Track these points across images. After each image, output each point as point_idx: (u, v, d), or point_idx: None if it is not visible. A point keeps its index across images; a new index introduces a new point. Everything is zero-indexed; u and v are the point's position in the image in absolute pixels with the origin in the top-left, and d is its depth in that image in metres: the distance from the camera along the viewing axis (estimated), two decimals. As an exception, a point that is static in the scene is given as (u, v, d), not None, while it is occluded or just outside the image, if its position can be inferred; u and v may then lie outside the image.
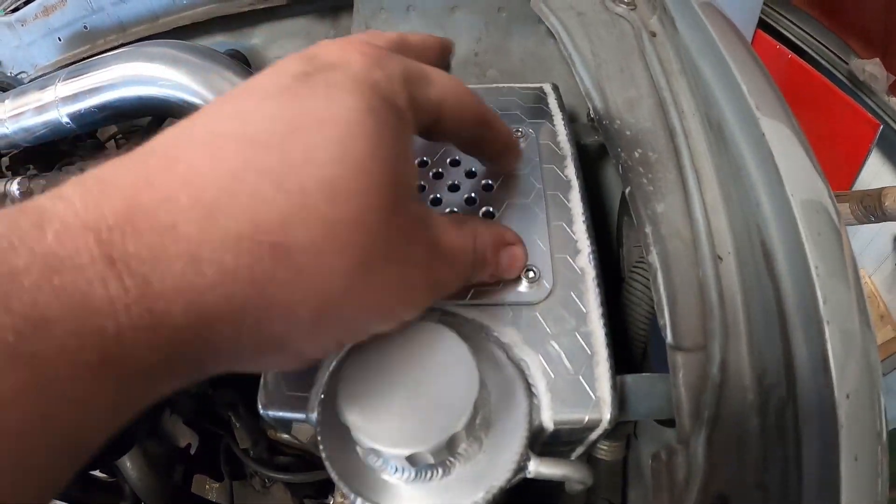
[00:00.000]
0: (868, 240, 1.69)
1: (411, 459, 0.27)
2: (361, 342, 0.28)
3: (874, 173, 1.52)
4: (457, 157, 0.44)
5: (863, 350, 0.26)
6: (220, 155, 0.18)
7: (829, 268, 0.26)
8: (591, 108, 0.42)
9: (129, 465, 0.72)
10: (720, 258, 0.32)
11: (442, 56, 0.32)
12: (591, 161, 0.52)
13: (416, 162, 0.44)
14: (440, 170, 0.43)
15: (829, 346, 0.25)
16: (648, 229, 0.34)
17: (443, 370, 0.27)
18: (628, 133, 0.39)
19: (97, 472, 0.75)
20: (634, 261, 0.48)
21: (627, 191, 0.36)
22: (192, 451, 0.80)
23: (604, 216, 0.55)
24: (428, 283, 0.24)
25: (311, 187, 0.18)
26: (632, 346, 0.49)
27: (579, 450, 0.38)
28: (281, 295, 0.18)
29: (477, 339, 0.34)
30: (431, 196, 0.41)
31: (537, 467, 0.31)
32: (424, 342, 0.28)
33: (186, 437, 0.84)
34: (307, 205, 0.18)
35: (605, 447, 0.53)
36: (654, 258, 0.33)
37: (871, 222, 1.04)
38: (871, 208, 1.01)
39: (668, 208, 0.35)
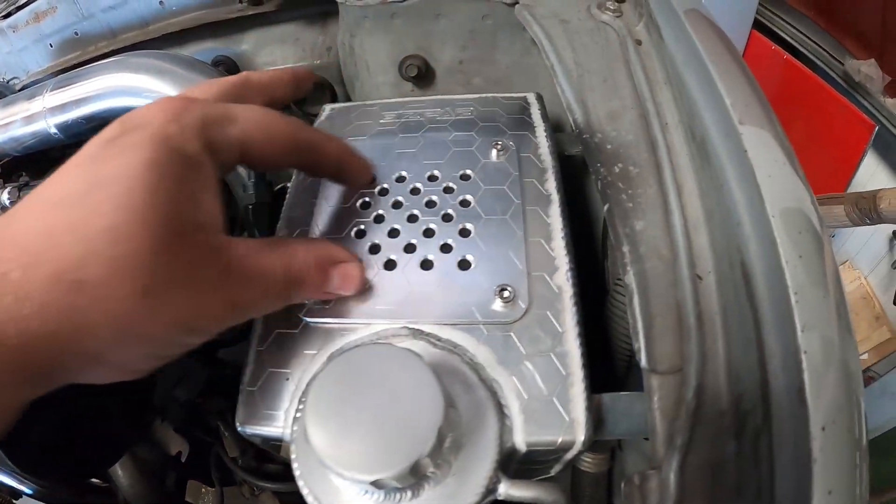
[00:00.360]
0: (863, 241, 1.69)
1: (376, 484, 0.27)
2: (329, 364, 0.28)
3: (869, 174, 1.52)
4: (435, 174, 0.43)
5: (842, 368, 0.25)
6: (40, 215, 0.24)
7: (808, 296, 0.25)
8: (571, 121, 0.41)
9: (120, 472, 0.72)
10: (700, 278, 0.31)
11: (293, 87, 0.38)
12: (577, 170, 0.51)
13: (395, 177, 0.43)
14: (417, 185, 0.43)
15: (805, 377, 0.24)
16: (626, 248, 0.33)
17: (408, 395, 0.27)
18: (609, 147, 0.38)
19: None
20: (619, 273, 0.47)
21: (606, 208, 0.35)
22: (183, 459, 0.80)
23: (590, 226, 0.55)
24: (225, 303, 0.27)
25: (99, 234, 0.23)
26: (615, 360, 0.49)
27: (557, 467, 0.38)
28: (83, 319, 0.23)
29: (449, 359, 0.33)
30: (407, 213, 0.41)
31: (508, 489, 0.30)
32: (390, 366, 0.28)
33: (177, 445, 0.84)
34: (96, 248, 0.23)
35: (589, 459, 0.53)
36: (630, 279, 0.32)
37: (866, 224, 1.03)
38: (867, 210, 1.00)
39: (647, 226, 0.34)
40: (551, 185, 0.41)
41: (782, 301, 0.26)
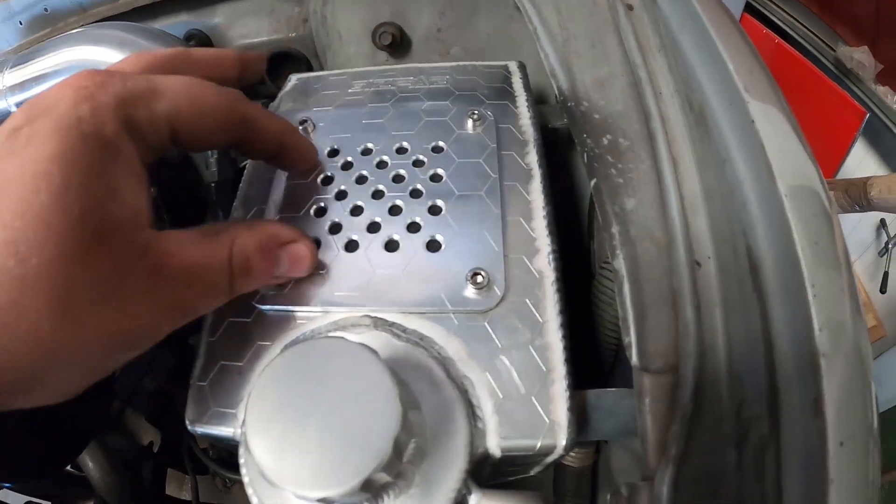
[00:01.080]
0: (850, 228, 1.68)
1: (324, 501, 0.23)
2: (272, 362, 0.24)
3: (859, 160, 1.50)
4: (404, 146, 0.39)
5: (862, 376, 0.22)
6: None
7: (826, 291, 0.22)
8: (556, 88, 0.37)
9: (90, 464, 0.69)
10: (698, 264, 0.28)
11: (239, 68, 0.33)
12: (562, 145, 0.47)
13: (360, 150, 0.39)
14: (384, 158, 0.38)
15: (824, 386, 0.21)
16: (615, 229, 0.29)
17: (360, 400, 0.23)
18: (596, 117, 0.34)
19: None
20: (606, 256, 0.43)
21: (593, 183, 0.31)
22: (155, 449, 0.78)
23: (575, 206, 0.51)
24: (160, 309, 0.24)
25: (0, 249, 0.19)
26: (601, 350, 0.46)
27: (536, 468, 0.35)
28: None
29: (413, 352, 0.29)
30: (372, 189, 0.37)
31: (479, 501, 0.27)
32: (341, 363, 0.24)
33: (149, 435, 0.81)
34: (1, 266, 0.19)
35: (572, 454, 0.50)
36: (620, 264, 0.28)
37: (855, 211, 1.01)
38: (857, 197, 0.98)
39: (639, 204, 0.30)
40: (532, 158, 0.37)
41: (797, 295, 0.23)
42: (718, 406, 0.25)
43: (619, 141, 0.33)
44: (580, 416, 0.30)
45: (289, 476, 0.22)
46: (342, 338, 0.24)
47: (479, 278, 0.31)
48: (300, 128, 0.41)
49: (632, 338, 0.27)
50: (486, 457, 0.28)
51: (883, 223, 1.59)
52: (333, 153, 0.39)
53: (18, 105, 0.64)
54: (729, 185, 0.28)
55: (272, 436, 0.23)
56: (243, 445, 0.29)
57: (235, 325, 0.33)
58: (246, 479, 0.28)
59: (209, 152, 0.53)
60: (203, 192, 0.62)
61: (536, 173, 0.35)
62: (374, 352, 0.23)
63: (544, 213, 0.34)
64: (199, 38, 0.76)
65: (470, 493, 0.27)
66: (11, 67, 0.64)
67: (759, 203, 0.26)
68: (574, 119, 0.35)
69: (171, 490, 0.83)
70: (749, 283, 0.26)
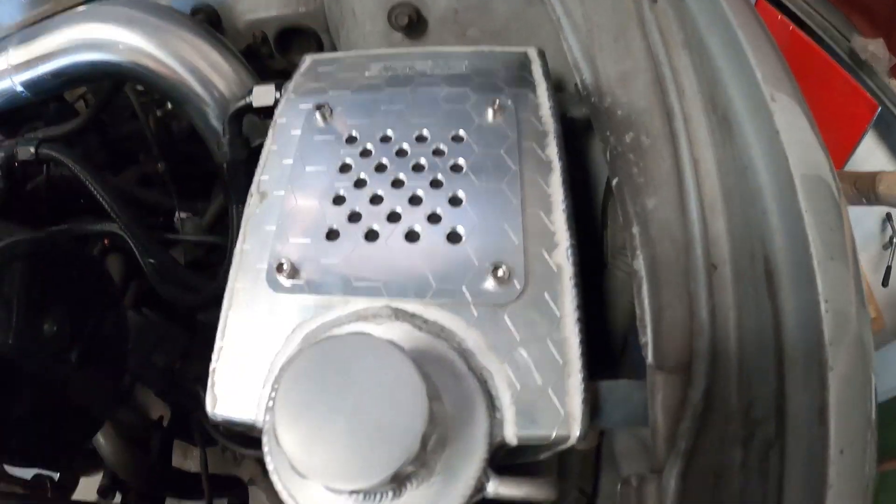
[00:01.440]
0: (855, 220, 1.68)
1: (353, 492, 0.24)
2: (300, 357, 0.25)
3: (868, 153, 1.49)
4: (424, 134, 0.39)
5: (867, 384, 0.23)
6: None
7: (839, 306, 0.22)
8: (578, 81, 0.37)
9: (100, 438, 0.70)
10: (714, 266, 0.28)
11: None
12: (578, 134, 0.47)
13: (379, 137, 0.39)
14: (404, 146, 0.38)
15: (830, 398, 0.22)
16: (636, 230, 0.30)
17: (388, 395, 0.24)
18: (619, 113, 0.34)
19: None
20: (620, 245, 0.44)
21: (615, 182, 0.32)
22: (165, 424, 0.79)
23: (588, 194, 0.51)
24: None
25: None
26: (611, 339, 0.46)
27: (546, 454, 0.36)
28: None
29: (435, 345, 0.30)
30: (392, 178, 0.37)
31: (497, 488, 0.28)
32: (369, 361, 0.24)
33: (159, 409, 0.82)
34: None
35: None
36: (639, 264, 0.29)
37: (862, 204, 1.01)
38: (864, 191, 0.98)
39: (659, 204, 0.31)
40: (552, 150, 0.37)
41: (811, 308, 0.24)
42: (727, 406, 0.26)
43: (641, 139, 0.33)
44: (592, 406, 0.31)
45: (320, 470, 0.23)
46: (368, 334, 0.25)
47: (501, 272, 0.31)
48: (317, 113, 0.40)
49: (648, 337, 0.28)
50: (503, 445, 0.29)
51: (889, 217, 1.59)
52: (351, 140, 0.39)
53: (24, 84, 0.62)
54: (750, 192, 0.29)
55: (302, 430, 0.24)
56: (269, 436, 0.29)
57: (254, 312, 0.33)
58: (271, 467, 0.28)
59: (221, 132, 0.52)
60: (211, 165, 0.62)
61: (556, 166, 0.36)
62: (401, 348, 0.24)
63: (563, 206, 0.34)
64: (207, 13, 0.74)
65: (488, 480, 0.28)
66: (17, 45, 0.62)
67: (780, 214, 0.27)
68: (598, 115, 0.35)
69: (175, 461, 0.84)
70: (764, 290, 0.26)
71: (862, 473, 0.22)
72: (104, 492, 0.66)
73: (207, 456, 0.72)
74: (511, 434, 0.29)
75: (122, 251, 0.64)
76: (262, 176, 0.39)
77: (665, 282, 0.29)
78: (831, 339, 0.22)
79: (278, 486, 0.27)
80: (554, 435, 0.29)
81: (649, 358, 0.28)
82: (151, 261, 0.57)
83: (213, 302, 0.61)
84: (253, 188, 0.38)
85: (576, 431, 0.29)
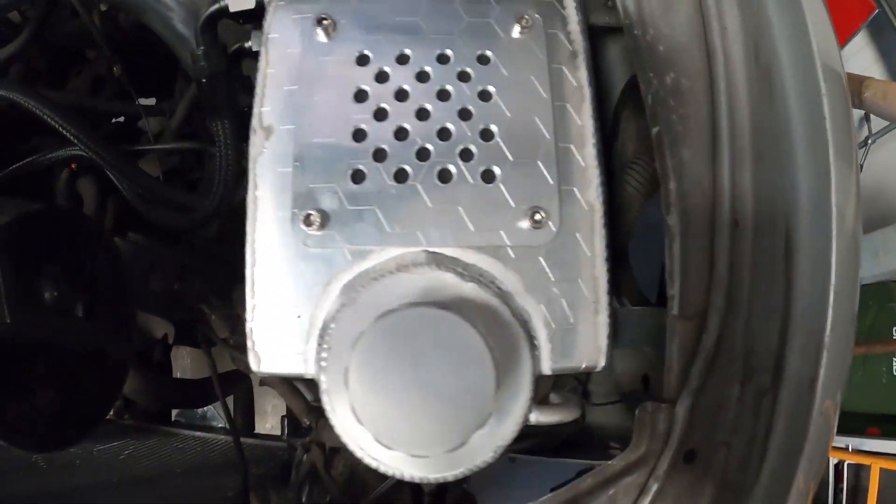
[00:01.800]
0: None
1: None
2: (371, 331, 0.26)
3: (856, 51, 1.51)
4: (446, 53, 0.35)
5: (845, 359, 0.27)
6: None
7: (845, 296, 0.27)
8: (620, 7, 0.34)
9: None
10: (737, 223, 0.30)
11: None
12: (593, 39, 0.44)
13: (395, 57, 0.34)
14: (425, 68, 0.34)
15: (821, 373, 0.27)
16: (672, 185, 0.31)
17: (458, 366, 0.25)
18: (661, 49, 0.33)
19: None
20: (630, 157, 0.43)
21: (655, 132, 0.32)
22: (171, 341, 0.79)
23: (599, 103, 0.49)
24: None
25: None
26: (616, 246, 0.48)
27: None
28: None
29: (481, 295, 0.30)
30: (416, 107, 0.33)
31: (538, 418, 0.31)
32: (437, 334, 0.25)
33: (162, 328, 0.81)
34: None
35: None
36: (674, 220, 0.30)
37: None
38: (850, 93, 0.98)
39: (693, 156, 0.31)
40: (583, 74, 0.34)
41: (821, 290, 0.27)
42: (732, 351, 0.30)
43: (681, 81, 0.32)
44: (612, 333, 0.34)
45: (405, 441, 0.25)
46: (433, 307, 0.25)
47: (538, 216, 0.31)
48: (319, 28, 0.35)
49: (676, 291, 0.30)
50: (539, 377, 0.31)
51: (867, 116, 1.62)
52: (363, 60, 0.35)
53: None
54: (781, 160, 0.30)
55: (381, 407, 0.25)
56: (329, 394, 0.29)
57: (284, 266, 0.32)
58: (335, 424, 0.29)
59: (195, 44, 0.45)
60: (167, 50, 0.55)
61: (587, 93, 0.34)
62: (466, 320, 0.25)
63: (594, 139, 0.33)
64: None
65: (531, 412, 0.30)
66: None
67: (808, 189, 0.29)
68: (639, 51, 0.33)
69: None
70: (782, 261, 0.29)
71: (829, 433, 0.29)
72: (119, 413, 0.69)
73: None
74: (547, 367, 0.32)
75: (92, 171, 0.59)
76: (263, 107, 0.34)
77: (693, 234, 0.31)
78: (833, 326, 0.27)
79: (345, 438, 0.28)
80: (584, 366, 0.32)
81: (675, 310, 0.31)
82: (130, 184, 0.53)
83: (209, 222, 0.58)
84: (254, 122, 0.34)
85: (602, 361, 0.32)
